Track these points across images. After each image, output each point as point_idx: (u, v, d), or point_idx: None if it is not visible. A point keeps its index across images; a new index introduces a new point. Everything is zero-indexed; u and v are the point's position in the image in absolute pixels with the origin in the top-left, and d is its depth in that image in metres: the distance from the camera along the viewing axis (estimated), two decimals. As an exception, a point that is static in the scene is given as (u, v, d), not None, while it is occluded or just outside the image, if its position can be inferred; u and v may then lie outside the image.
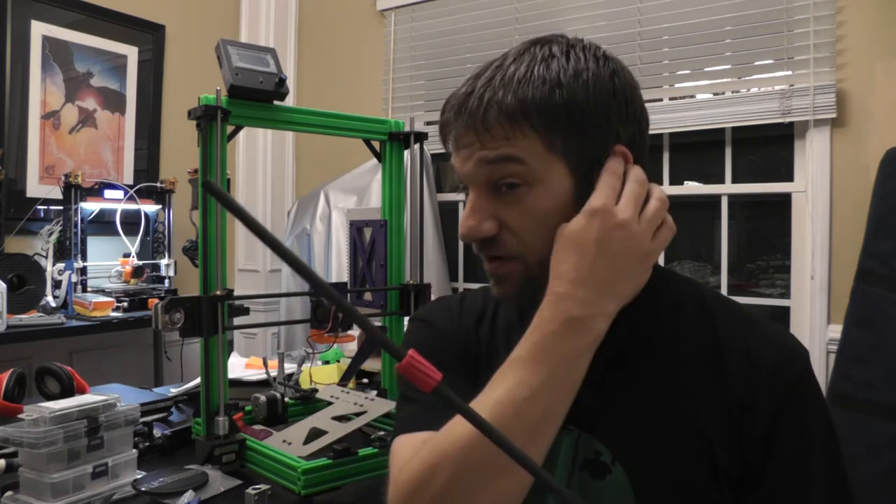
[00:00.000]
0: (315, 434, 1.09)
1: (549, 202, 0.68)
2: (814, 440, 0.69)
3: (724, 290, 2.33)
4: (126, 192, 2.64)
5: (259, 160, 3.36)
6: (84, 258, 2.55)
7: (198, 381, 1.33)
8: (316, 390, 1.33)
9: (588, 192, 0.67)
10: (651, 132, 0.75)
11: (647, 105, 0.75)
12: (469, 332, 0.80)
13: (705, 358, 0.71)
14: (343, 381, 1.40)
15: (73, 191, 2.49)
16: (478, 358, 0.79)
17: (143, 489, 0.97)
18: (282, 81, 1.18)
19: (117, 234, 2.63)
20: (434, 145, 2.88)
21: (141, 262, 2.66)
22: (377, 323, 1.36)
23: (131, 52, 2.98)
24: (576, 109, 0.67)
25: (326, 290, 0.36)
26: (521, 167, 0.67)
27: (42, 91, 2.68)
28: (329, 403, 1.22)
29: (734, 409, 0.69)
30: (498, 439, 0.39)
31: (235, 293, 1.12)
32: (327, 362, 1.64)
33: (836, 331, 2.01)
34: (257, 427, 1.21)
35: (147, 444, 1.16)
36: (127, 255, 2.67)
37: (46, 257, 2.47)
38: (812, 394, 0.70)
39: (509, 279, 0.71)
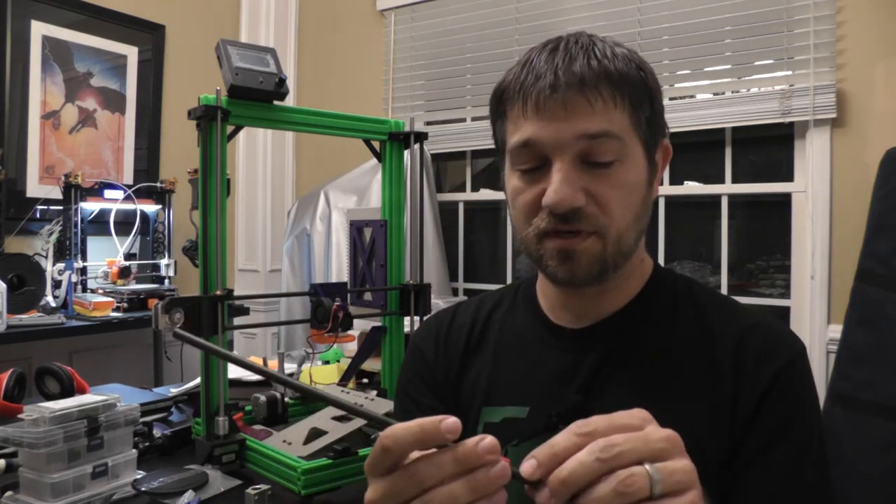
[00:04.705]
0: (315, 434, 1.09)
1: (636, 177, 0.70)
2: (797, 419, 0.68)
3: (724, 290, 2.33)
4: (126, 192, 2.64)
5: (259, 160, 3.35)
6: (84, 258, 2.54)
7: (198, 381, 1.33)
8: (316, 390, 1.33)
9: (653, 175, 0.72)
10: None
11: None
12: (452, 359, 0.84)
13: (701, 356, 0.72)
14: (343, 381, 1.40)
15: (73, 191, 2.49)
16: (457, 374, 0.83)
17: (143, 489, 0.97)
18: (282, 81, 1.18)
19: (117, 234, 2.63)
20: (434, 145, 2.89)
21: (128, 263, 2.63)
22: (377, 323, 1.36)
23: (131, 52, 2.97)
24: (652, 93, 0.71)
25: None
26: (618, 143, 0.67)
27: (42, 91, 2.68)
28: (329, 403, 1.22)
29: (725, 408, 0.69)
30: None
31: (235, 293, 1.12)
32: (327, 362, 1.65)
33: (836, 331, 2.01)
34: (257, 427, 1.21)
35: (147, 444, 1.16)
36: (119, 256, 2.67)
37: (46, 257, 2.47)
38: (800, 381, 0.70)
39: (584, 255, 0.68)
